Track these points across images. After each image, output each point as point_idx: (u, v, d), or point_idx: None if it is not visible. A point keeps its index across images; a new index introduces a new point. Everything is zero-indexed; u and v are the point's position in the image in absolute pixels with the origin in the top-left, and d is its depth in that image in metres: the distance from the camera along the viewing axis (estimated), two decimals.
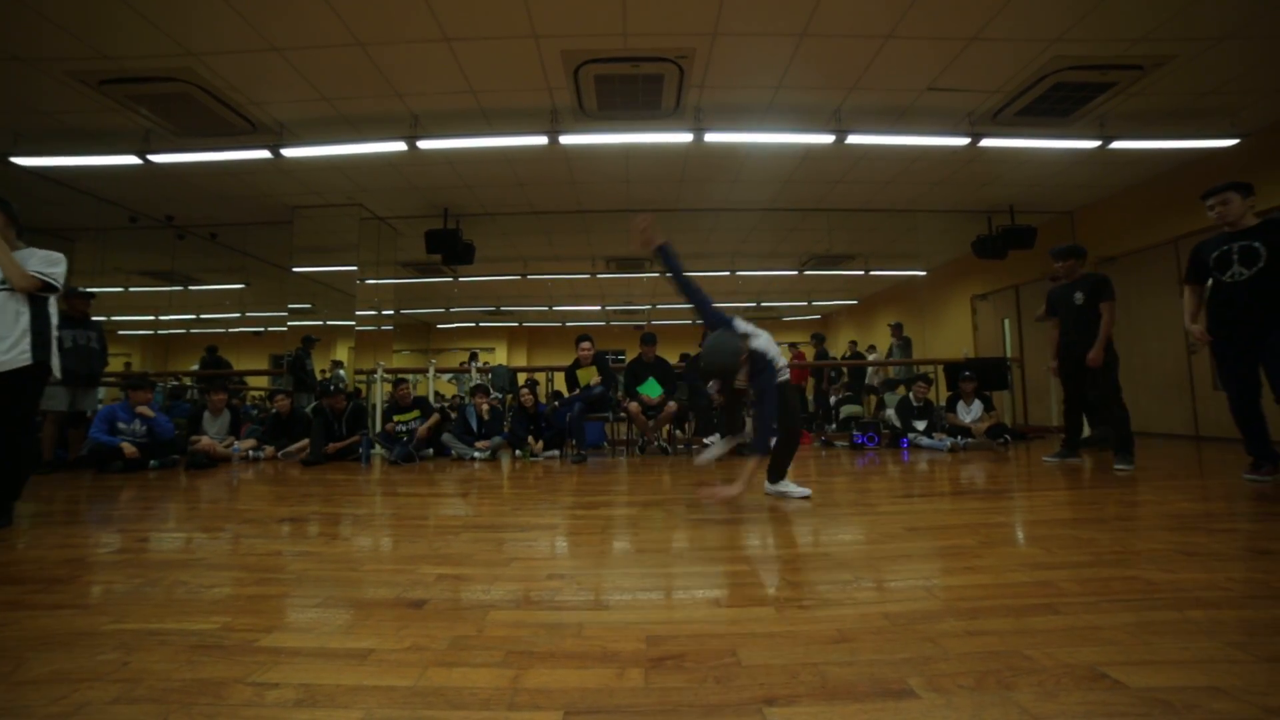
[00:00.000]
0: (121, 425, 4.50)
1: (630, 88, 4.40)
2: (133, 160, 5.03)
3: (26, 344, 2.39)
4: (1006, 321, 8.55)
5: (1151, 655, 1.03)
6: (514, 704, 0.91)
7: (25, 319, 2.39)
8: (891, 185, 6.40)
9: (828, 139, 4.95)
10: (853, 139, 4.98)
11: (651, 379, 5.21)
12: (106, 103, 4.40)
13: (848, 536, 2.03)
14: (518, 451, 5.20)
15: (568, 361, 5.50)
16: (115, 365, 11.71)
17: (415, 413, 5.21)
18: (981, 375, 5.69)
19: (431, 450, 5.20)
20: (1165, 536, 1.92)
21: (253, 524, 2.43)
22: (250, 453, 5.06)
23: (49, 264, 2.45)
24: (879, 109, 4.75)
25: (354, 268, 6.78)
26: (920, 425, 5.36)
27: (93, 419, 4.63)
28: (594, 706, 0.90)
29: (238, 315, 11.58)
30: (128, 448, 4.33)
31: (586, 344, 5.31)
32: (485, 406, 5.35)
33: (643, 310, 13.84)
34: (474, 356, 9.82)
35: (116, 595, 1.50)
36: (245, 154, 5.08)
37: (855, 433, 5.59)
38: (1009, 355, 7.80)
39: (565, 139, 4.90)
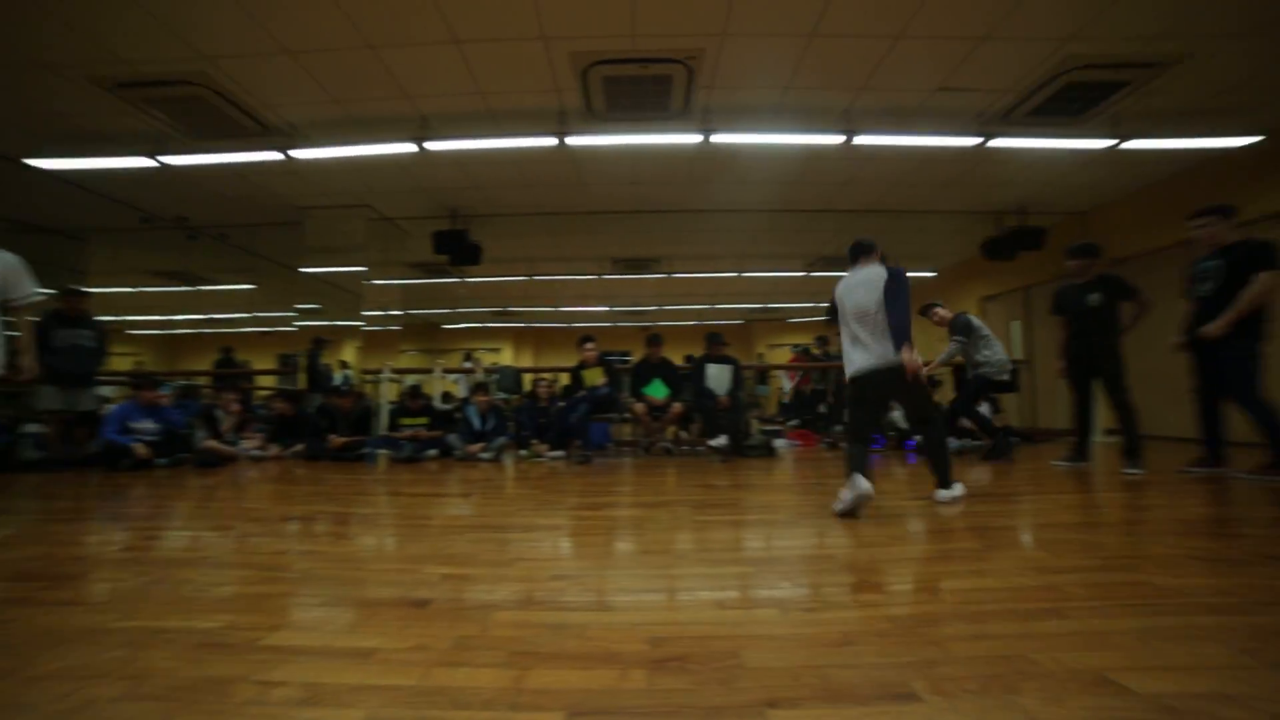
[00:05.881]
0: (133, 425, 4.54)
1: (639, 89, 4.40)
2: (146, 162, 5.09)
3: None
4: (1016, 324, 8.47)
5: (1159, 661, 1.02)
6: (517, 704, 0.91)
7: None
8: (900, 186, 6.36)
9: (836, 140, 4.93)
10: (861, 140, 4.95)
11: (657, 380, 5.20)
12: (122, 106, 4.45)
13: (852, 539, 2.01)
14: (522, 452, 5.21)
15: (573, 362, 5.50)
16: (125, 364, 11.87)
17: (424, 419, 5.23)
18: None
19: (436, 450, 5.21)
20: (1173, 541, 1.90)
21: (258, 523, 2.44)
22: (255, 451, 5.10)
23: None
24: (888, 109, 4.73)
25: (363, 268, 6.83)
26: None
27: (103, 417, 4.67)
28: (597, 707, 0.90)
29: (247, 315, 11.68)
30: (139, 448, 4.36)
31: (590, 344, 5.31)
32: (485, 406, 5.31)
33: (649, 311, 13.83)
34: (468, 356, 9.76)
35: (123, 592, 1.51)
36: (256, 156, 5.13)
37: None
38: (1018, 357, 7.71)
39: (573, 140, 4.91)
